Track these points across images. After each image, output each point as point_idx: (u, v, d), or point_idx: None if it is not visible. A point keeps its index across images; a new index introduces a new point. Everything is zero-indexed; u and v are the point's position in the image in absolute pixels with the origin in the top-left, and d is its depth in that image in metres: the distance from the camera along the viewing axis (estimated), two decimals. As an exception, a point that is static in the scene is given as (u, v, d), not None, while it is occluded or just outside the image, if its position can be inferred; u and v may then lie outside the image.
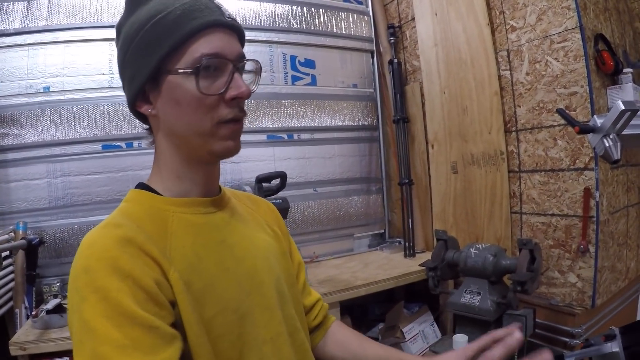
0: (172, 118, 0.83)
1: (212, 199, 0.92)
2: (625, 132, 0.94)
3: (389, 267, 2.94)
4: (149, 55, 0.80)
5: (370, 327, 3.09)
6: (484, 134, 2.71)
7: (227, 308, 0.83)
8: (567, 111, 1.04)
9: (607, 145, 0.97)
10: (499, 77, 2.59)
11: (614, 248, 2.48)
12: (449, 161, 2.98)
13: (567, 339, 2.29)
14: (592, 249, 2.29)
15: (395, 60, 3.22)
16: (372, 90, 3.40)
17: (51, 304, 2.03)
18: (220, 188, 0.99)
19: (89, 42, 2.56)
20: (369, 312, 3.28)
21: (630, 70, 2.34)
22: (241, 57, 0.85)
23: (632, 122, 0.93)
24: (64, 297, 2.34)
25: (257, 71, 0.90)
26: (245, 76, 0.87)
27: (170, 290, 0.76)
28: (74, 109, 2.50)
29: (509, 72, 2.55)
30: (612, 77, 2.36)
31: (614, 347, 1.25)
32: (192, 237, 0.84)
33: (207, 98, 0.80)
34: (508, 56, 2.54)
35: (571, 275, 2.41)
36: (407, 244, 3.16)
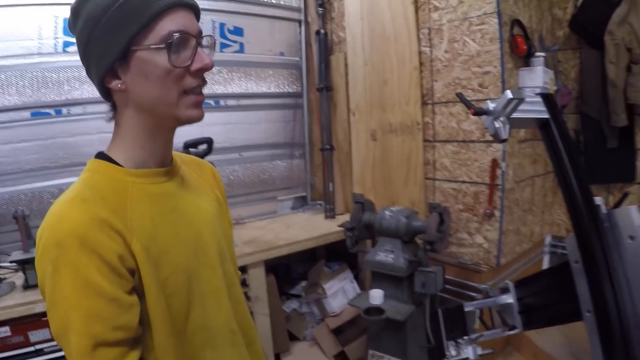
0: (141, 90, 0.89)
1: (166, 169, 1.00)
2: (514, 115, 1.11)
3: (311, 227, 3.10)
4: (119, 34, 0.85)
5: (293, 285, 3.27)
6: (402, 105, 2.89)
7: (179, 269, 0.94)
8: (464, 95, 1.20)
9: (497, 126, 1.11)
10: (420, 53, 2.76)
11: (518, 213, 2.78)
12: (368, 129, 3.14)
13: (474, 294, 2.55)
14: (497, 213, 2.56)
15: (322, 31, 3.31)
16: (298, 59, 3.48)
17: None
18: (172, 157, 1.08)
19: (17, 7, 2.43)
20: (292, 271, 3.45)
21: (542, 54, 2.58)
22: (200, 33, 0.93)
23: (520, 107, 1.10)
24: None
25: (212, 45, 0.99)
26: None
27: (133, 259, 0.86)
28: (2, 76, 2.40)
29: (429, 49, 2.72)
30: (525, 60, 2.59)
31: (509, 298, 1.40)
32: (148, 206, 0.93)
33: (175, 70, 0.87)
34: (429, 34, 2.71)
35: (478, 237, 2.69)
36: (327, 206, 3.34)
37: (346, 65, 3.23)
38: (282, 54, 3.40)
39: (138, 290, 0.87)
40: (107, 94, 0.94)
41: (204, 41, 0.94)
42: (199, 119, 0.96)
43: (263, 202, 3.42)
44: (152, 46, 0.86)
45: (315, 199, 3.69)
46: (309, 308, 3.14)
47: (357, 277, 3.29)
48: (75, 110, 2.49)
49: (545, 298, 1.32)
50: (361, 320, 3.10)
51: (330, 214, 3.32)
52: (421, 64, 2.77)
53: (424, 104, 2.81)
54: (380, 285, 2.61)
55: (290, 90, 3.48)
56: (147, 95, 0.89)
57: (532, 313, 1.36)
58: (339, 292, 3.08)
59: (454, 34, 2.58)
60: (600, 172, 3.04)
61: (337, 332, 3.07)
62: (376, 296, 2.53)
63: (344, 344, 3.05)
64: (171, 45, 0.86)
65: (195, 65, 0.90)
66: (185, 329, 0.95)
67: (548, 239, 3.31)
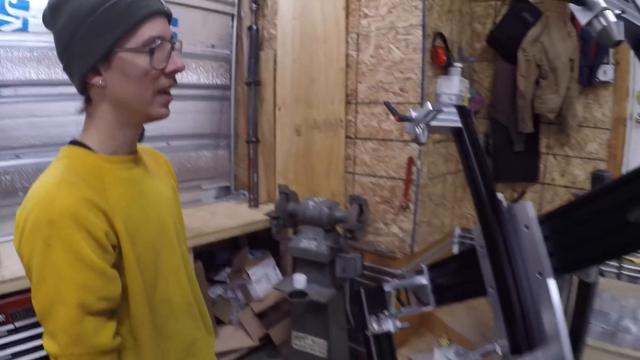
0: (120, 88, 0.98)
1: (133, 156, 1.10)
2: (432, 123, 1.30)
3: (236, 216, 3.20)
4: (103, 36, 0.94)
5: (217, 272, 3.36)
6: (327, 103, 3.07)
7: (149, 247, 1.06)
8: (390, 103, 1.37)
9: (418, 132, 1.29)
10: (347, 55, 2.95)
11: (431, 207, 3.05)
12: (293, 124, 3.29)
13: (390, 279, 2.77)
14: (412, 206, 2.81)
15: (254, 27, 3.40)
16: (229, 52, 3.54)
17: None
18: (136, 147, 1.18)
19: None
20: (216, 258, 3.53)
21: (460, 65, 2.85)
22: (172, 38, 1.05)
23: (438, 116, 1.29)
24: None
25: (180, 49, 1.10)
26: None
27: (115, 236, 0.96)
28: None
29: (356, 52, 2.92)
30: (444, 69, 2.85)
31: (423, 279, 1.53)
32: (122, 189, 1.02)
33: (152, 71, 0.99)
34: (357, 39, 2.90)
35: (394, 227, 2.92)
36: (251, 196, 3.45)
37: (275, 61, 3.33)
38: (213, 46, 3.44)
39: (118, 265, 0.98)
40: (83, 88, 1.02)
41: (176, 45, 1.06)
42: (166, 116, 1.07)
43: (188, 190, 3.45)
44: (135, 49, 0.96)
45: (238, 189, 3.78)
46: (234, 293, 3.25)
47: (279, 265, 3.43)
48: (5, 92, 2.40)
49: (455, 278, 1.48)
50: (284, 304, 3.27)
51: (254, 203, 3.43)
52: (347, 65, 2.96)
53: (347, 103, 3.01)
54: (304, 270, 2.78)
55: (219, 83, 3.52)
56: (125, 93, 0.99)
57: (443, 292, 1.51)
58: (263, 278, 3.21)
59: (380, 41, 2.79)
60: (507, 172, 3.40)
61: (262, 316, 3.21)
62: (300, 280, 2.69)
63: (268, 327, 3.20)
64: (153, 50, 0.97)
65: (170, 67, 1.01)
66: (154, 301, 1.07)
67: (457, 231, 3.63)
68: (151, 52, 0.97)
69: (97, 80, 0.98)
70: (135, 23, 0.96)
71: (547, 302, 1.08)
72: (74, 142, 1.04)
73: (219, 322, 3.16)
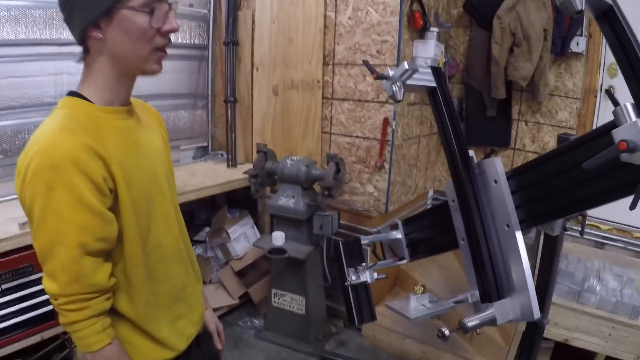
0: (118, 42, 1.03)
1: (127, 107, 1.15)
2: (409, 82, 1.36)
3: (214, 175, 3.25)
4: None
5: (197, 232, 3.41)
6: (305, 63, 3.10)
7: (142, 192, 1.12)
8: (369, 62, 1.42)
9: (394, 90, 1.34)
10: (325, 17, 2.96)
11: (405, 167, 3.14)
12: (271, 84, 3.31)
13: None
14: (387, 166, 2.89)
15: (232, -14, 3.35)
16: (206, 12, 3.49)
17: None
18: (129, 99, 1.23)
19: None
20: (195, 218, 3.58)
21: (436, 29, 2.90)
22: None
23: (414, 76, 1.35)
24: None
25: (176, 9, 1.15)
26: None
27: (112, 181, 1.03)
28: None
29: (334, 14, 2.93)
30: (420, 33, 2.90)
31: (398, 234, 1.63)
32: (118, 138, 1.08)
33: (150, 30, 1.04)
34: (336, 0, 2.91)
35: (369, 186, 3.01)
36: (229, 155, 3.49)
37: (253, 21, 3.32)
38: (191, 5, 3.39)
39: (114, 208, 1.04)
40: (82, 39, 1.06)
41: (172, 6, 1.10)
42: (158, 72, 1.12)
43: (167, 150, 3.45)
44: (135, 8, 1.00)
45: (216, 149, 3.81)
46: (214, 252, 3.32)
47: (257, 224, 3.50)
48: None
49: (428, 232, 1.56)
50: (263, 263, 3.36)
51: (232, 163, 3.48)
52: (325, 27, 2.97)
53: (325, 64, 3.04)
54: (282, 228, 2.87)
55: (197, 42, 3.50)
56: (122, 48, 1.04)
57: (417, 245, 1.60)
58: (242, 237, 3.28)
59: (358, 3, 2.81)
60: (479, 137, 3.50)
61: (241, 275, 3.30)
62: (278, 237, 2.78)
63: (247, 286, 3.29)
64: (153, 10, 1.02)
65: (166, 27, 1.06)
66: (146, 245, 1.14)
67: (431, 192, 3.75)
68: (151, 12, 1.03)
69: (97, 34, 1.02)
70: None
71: (514, 253, 1.16)
72: (72, 93, 1.09)
73: (199, 280, 3.22)
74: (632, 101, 0.83)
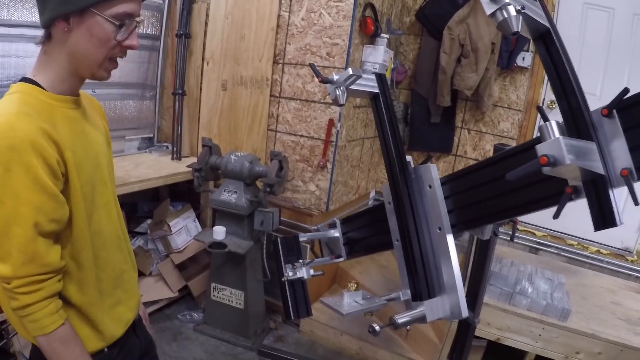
0: (80, 42, 1.06)
1: (76, 98, 1.19)
2: (352, 87, 1.41)
3: (159, 167, 3.22)
4: None
5: (139, 223, 3.38)
6: (255, 61, 3.12)
7: (87, 180, 1.15)
8: (315, 65, 1.47)
9: (338, 94, 1.40)
10: (279, 16, 2.99)
11: (347, 168, 3.21)
12: (220, 79, 3.32)
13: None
14: (329, 166, 2.95)
15: (187, -22, 3.32)
16: (161, 2, 3.45)
17: None
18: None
19: None
20: (138, 209, 3.54)
21: (387, 36, 2.99)
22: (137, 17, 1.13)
23: (358, 82, 1.40)
24: None
25: (139, 27, 1.19)
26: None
27: (64, 165, 1.06)
28: None
29: (287, 14, 2.97)
30: (371, 38, 2.97)
31: (336, 232, 1.68)
32: (68, 126, 1.12)
33: (113, 40, 1.07)
34: (290, 1, 2.95)
35: (311, 185, 3.07)
36: (174, 148, 3.47)
37: (207, 15, 3.31)
38: (145, -6, 3.33)
39: (65, 192, 1.08)
40: (47, 25, 1.08)
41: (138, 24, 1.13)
42: (106, 79, 1.16)
43: (112, 140, 3.38)
44: (108, 17, 1.04)
45: (161, 141, 3.77)
46: (154, 245, 3.29)
47: (199, 217, 3.49)
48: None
49: (365, 232, 1.62)
50: (203, 257, 3.36)
51: (177, 155, 3.46)
52: (278, 26, 3.01)
53: (275, 62, 3.08)
54: (223, 222, 2.88)
55: (149, 32, 3.45)
56: (83, 48, 1.07)
57: (354, 244, 1.66)
58: (183, 230, 3.27)
59: (312, 5, 2.86)
60: (423, 142, 3.62)
61: (181, 268, 3.29)
62: (219, 232, 2.80)
63: (187, 279, 3.29)
64: (122, 25, 1.06)
65: (128, 42, 1.10)
66: (90, 231, 1.17)
67: (372, 193, 3.84)
68: (120, 26, 1.06)
69: (63, 26, 1.05)
70: None
71: (445, 255, 1.23)
72: (25, 79, 1.11)
73: (139, 274, 3.17)
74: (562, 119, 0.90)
